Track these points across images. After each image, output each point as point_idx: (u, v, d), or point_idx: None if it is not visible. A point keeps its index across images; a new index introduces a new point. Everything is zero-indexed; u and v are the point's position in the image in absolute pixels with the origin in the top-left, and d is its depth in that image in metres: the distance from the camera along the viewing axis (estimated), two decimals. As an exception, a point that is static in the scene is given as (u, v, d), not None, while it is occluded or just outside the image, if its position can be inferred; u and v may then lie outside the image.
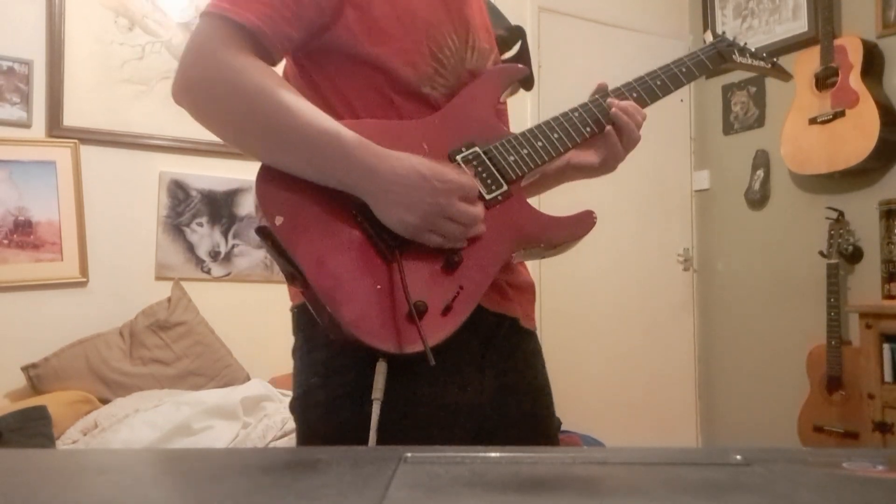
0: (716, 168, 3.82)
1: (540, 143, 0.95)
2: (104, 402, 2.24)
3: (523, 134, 0.95)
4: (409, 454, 0.44)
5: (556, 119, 0.98)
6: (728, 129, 3.74)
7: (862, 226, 3.03)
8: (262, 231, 0.81)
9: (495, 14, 1.09)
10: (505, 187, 0.90)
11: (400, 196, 0.80)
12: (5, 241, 2.35)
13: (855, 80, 2.93)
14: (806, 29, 3.35)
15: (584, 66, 3.37)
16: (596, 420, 3.37)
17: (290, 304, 0.96)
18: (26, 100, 2.43)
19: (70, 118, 2.48)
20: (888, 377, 2.66)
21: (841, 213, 3.06)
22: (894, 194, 2.94)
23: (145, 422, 1.97)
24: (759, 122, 3.57)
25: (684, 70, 1.10)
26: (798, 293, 3.32)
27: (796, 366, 3.20)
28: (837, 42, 3.02)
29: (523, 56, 1.07)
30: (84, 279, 2.48)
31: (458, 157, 0.89)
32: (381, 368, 0.80)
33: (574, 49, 3.51)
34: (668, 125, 3.84)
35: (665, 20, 3.86)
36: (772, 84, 3.50)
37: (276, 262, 0.82)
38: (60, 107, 2.47)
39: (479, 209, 0.85)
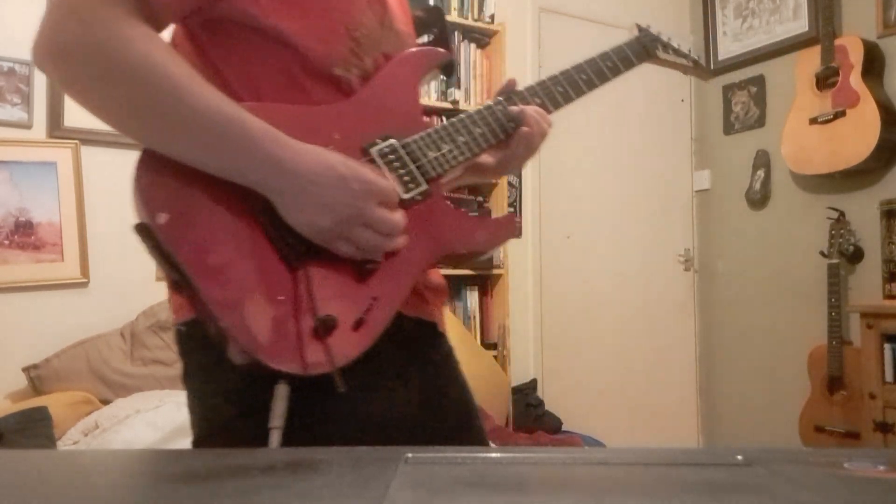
0: (716, 168, 3.82)
1: (462, 139, 0.87)
2: (105, 402, 2.24)
3: (444, 128, 0.86)
4: (409, 454, 0.44)
5: (477, 113, 0.90)
6: (729, 129, 3.74)
7: (863, 226, 3.03)
8: (141, 229, 0.70)
9: None
10: (425, 186, 0.81)
11: (312, 196, 0.71)
12: (6, 242, 2.36)
13: (855, 80, 2.93)
14: (806, 29, 3.35)
15: (585, 66, 3.36)
16: (597, 420, 3.37)
17: (174, 319, 0.83)
18: (27, 101, 2.43)
19: (71, 119, 2.49)
20: (889, 377, 2.66)
21: (842, 213, 3.06)
22: (895, 194, 2.94)
23: (146, 422, 1.97)
24: (760, 121, 3.57)
25: (610, 65, 1.04)
26: (799, 293, 3.32)
27: (797, 366, 3.19)
28: (838, 42, 3.02)
29: (442, 40, 0.98)
30: (85, 280, 2.48)
31: (374, 150, 0.80)
32: (281, 392, 0.71)
33: (574, 49, 3.50)
34: (668, 125, 3.84)
35: (665, 20, 3.86)
36: (772, 84, 3.51)
37: (160, 266, 0.71)
38: (61, 108, 2.47)
39: (399, 217, 0.76)
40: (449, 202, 0.85)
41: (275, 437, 0.70)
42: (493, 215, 2.97)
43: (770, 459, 0.43)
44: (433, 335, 0.93)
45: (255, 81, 0.78)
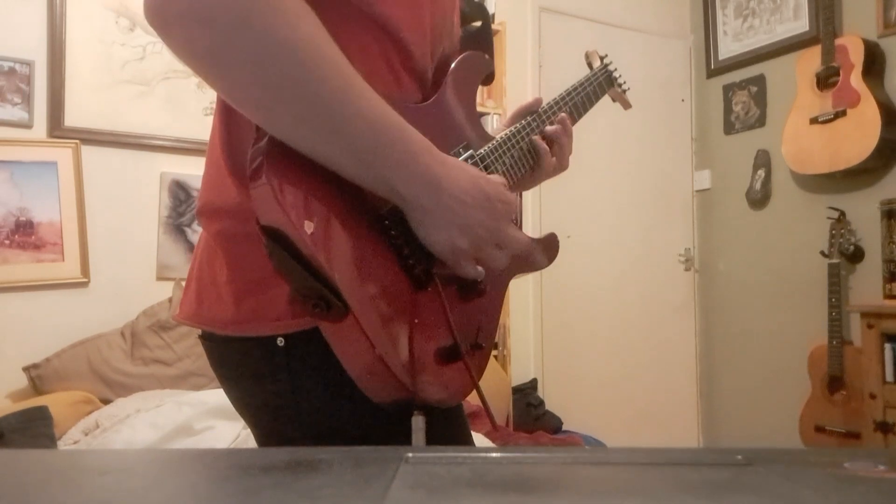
0: (717, 168, 3.82)
1: (516, 153, 0.86)
2: (105, 402, 2.25)
3: (502, 141, 0.85)
4: (410, 454, 0.44)
5: (523, 127, 0.90)
6: (729, 128, 3.74)
7: (863, 225, 3.03)
8: (273, 233, 0.59)
9: None
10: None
11: (457, 215, 0.66)
12: (7, 242, 2.36)
13: (856, 80, 2.93)
14: (807, 28, 3.35)
15: (584, 65, 3.36)
16: (597, 420, 3.37)
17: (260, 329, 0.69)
18: (27, 100, 2.43)
19: (71, 119, 2.49)
20: (889, 377, 2.66)
21: (842, 213, 3.06)
22: (895, 194, 2.94)
23: (147, 422, 1.97)
24: (761, 121, 3.57)
25: (593, 90, 1.05)
26: (799, 293, 3.32)
27: (798, 365, 3.19)
28: (839, 42, 3.02)
29: (485, 41, 0.89)
30: (85, 280, 2.48)
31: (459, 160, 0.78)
32: (419, 424, 0.66)
33: (574, 49, 3.50)
34: (669, 125, 3.84)
35: (665, 20, 3.86)
36: (773, 84, 3.51)
37: (293, 277, 0.60)
38: (62, 107, 2.47)
39: (525, 236, 0.74)
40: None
41: None
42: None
43: (770, 459, 0.43)
44: None
45: (358, 69, 0.65)
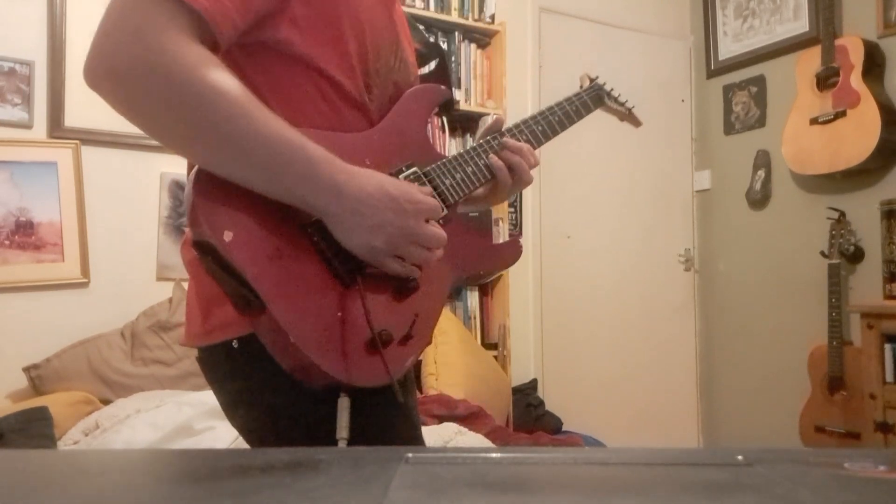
0: (717, 168, 3.82)
1: (470, 169, 0.93)
2: (105, 402, 2.24)
3: (455, 158, 0.93)
4: (410, 454, 0.44)
5: (480, 146, 0.97)
6: (729, 129, 3.74)
7: (863, 226, 3.03)
8: (203, 246, 0.72)
9: (413, 27, 1.02)
10: (445, 211, 0.88)
11: (366, 217, 0.74)
12: (7, 242, 2.36)
13: (856, 81, 2.93)
14: (807, 29, 3.35)
15: (584, 66, 3.36)
16: (597, 420, 3.37)
17: (212, 337, 0.82)
18: (27, 101, 2.43)
19: (71, 119, 2.49)
20: (889, 377, 2.66)
21: (842, 214, 3.06)
22: (895, 194, 2.94)
23: (147, 422, 1.97)
24: (761, 122, 3.57)
25: (574, 109, 1.10)
26: (799, 293, 3.32)
27: (798, 366, 3.19)
28: (838, 42, 3.02)
29: (443, 76, 1.01)
30: (85, 280, 2.48)
31: (401, 177, 0.86)
32: (344, 404, 0.74)
33: (574, 49, 3.51)
34: (669, 125, 3.84)
35: (665, 20, 3.86)
36: (773, 84, 3.51)
37: (222, 283, 0.73)
38: (62, 108, 2.47)
39: (442, 231, 0.81)
40: (466, 225, 0.92)
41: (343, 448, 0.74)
42: (493, 220, 2.97)
43: (770, 459, 0.43)
44: None
45: (296, 106, 0.80)
